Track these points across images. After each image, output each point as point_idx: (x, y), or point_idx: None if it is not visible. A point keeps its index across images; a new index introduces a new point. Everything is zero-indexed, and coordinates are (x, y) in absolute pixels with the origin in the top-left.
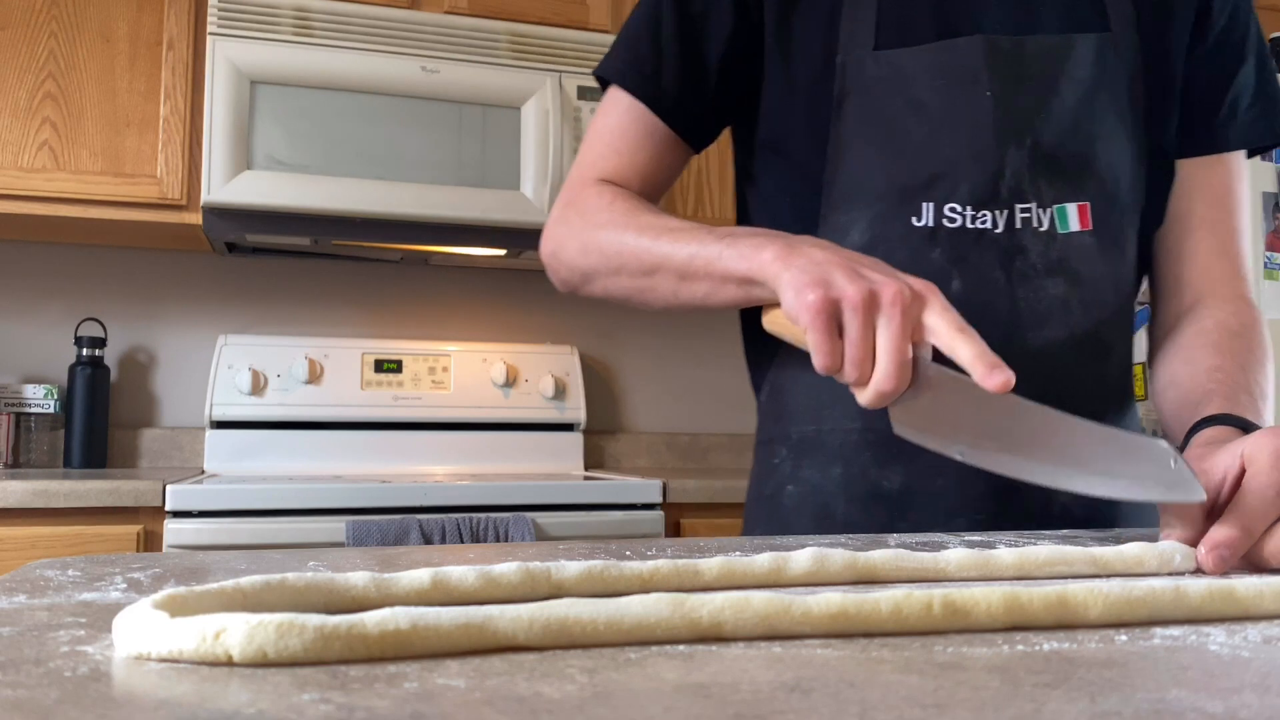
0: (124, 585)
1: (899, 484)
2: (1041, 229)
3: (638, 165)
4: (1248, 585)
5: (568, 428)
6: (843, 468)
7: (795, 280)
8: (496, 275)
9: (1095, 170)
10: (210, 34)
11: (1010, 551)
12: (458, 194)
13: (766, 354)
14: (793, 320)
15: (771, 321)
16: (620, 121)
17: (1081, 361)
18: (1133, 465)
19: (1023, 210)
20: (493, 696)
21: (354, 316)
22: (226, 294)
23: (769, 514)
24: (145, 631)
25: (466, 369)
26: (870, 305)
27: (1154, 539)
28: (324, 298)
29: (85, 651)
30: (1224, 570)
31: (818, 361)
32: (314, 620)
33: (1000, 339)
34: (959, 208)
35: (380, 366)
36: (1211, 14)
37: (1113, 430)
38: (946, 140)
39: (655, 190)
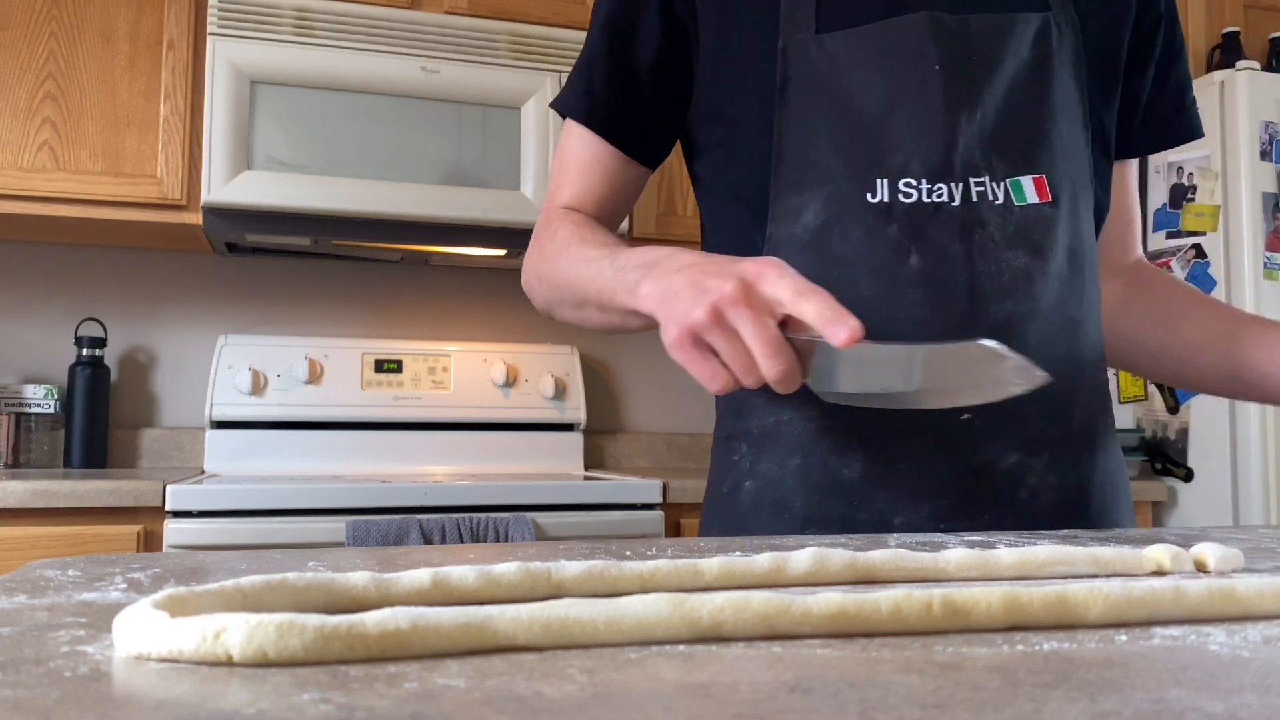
0: (124, 585)
1: (859, 471)
2: (998, 202)
3: (591, 189)
4: (1248, 585)
5: (568, 428)
6: (801, 458)
7: (662, 317)
8: (496, 275)
9: (1049, 145)
10: (210, 34)
11: (1010, 551)
12: (458, 194)
13: None
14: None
15: None
16: (572, 149)
17: (1053, 337)
18: (977, 371)
19: (977, 184)
20: (493, 696)
21: (354, 316)
22: (226, 294)
23: (726, 512)
24: (145, 631)
25: (466, 369)
26: (717, 317)
27: (1149, 538)
28: (324, 298)
29: (85, 651)
30: None
31: (709, 386)
32: (314, 620)
33: (963, 311)
34: (914, 182)
35: (380, 366)
36: (1158, 6)
37: (946, 346)
38: (898, 115)
39: (616, 211)
